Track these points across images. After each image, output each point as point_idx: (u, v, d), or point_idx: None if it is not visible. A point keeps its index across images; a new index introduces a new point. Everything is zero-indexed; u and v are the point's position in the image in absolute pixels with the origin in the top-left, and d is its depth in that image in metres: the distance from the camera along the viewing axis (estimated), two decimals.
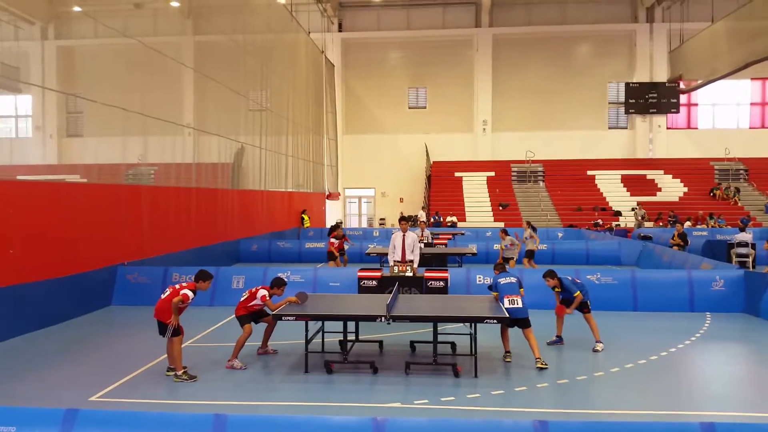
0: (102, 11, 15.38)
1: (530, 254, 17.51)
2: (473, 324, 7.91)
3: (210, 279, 7.99)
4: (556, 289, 9.22)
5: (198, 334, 10.10)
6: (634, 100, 33.37)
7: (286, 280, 8.73)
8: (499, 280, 8.68)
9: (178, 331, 7.64)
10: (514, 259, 16.67)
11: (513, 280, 8.61)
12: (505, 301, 8.32)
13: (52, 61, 28.01)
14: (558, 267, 10.08)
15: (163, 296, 7.78)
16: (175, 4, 19.39)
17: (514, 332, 8.44)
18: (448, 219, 31.26)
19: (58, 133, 30.34)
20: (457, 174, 36.40)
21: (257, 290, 8.38)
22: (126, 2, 15.55)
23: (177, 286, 7.81)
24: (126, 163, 14.69)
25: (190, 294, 7.64)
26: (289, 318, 7.86)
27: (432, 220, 30.65)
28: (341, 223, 17.65)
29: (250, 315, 8.44)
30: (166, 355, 7.94)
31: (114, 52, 15.94)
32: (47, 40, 27.89)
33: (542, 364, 7.96)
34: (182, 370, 7.63)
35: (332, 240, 17.10)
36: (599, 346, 8.97)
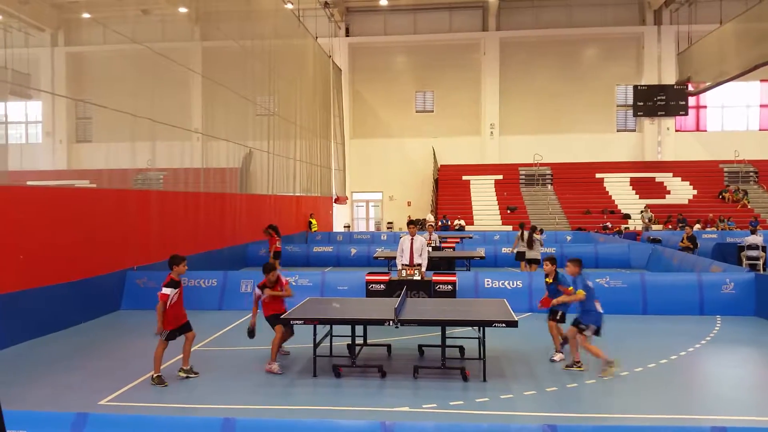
0: (111, 18, 15.53)
1: (521, 256, 17.34)
2: (482, 327, 7.89)
3: (183, 260, 7.92)
4: (547, 280, 8.85)
5: (207, 338, 10.13)
6: (642, 103, 33.20)
7: (274, 264, 8.74)
8: (588, 282, 8.15)
9: (172, 335, 7.73)
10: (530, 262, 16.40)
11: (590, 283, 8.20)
12: (597, 305, 7.99)
13: (62, 67, 28.33)
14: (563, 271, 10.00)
15: None
16: (183, 10, 19.53)
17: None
18: (456, 222, 31.24)
19: (67, 138, 30.69)
20: (464, 177, 36.38)
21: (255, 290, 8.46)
22: (134, 8, 15.65)
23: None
24: (135, 168, 14.77)
25: (166, 291, 7.61)
26: (298, 322, 7.88)
27: (440, 223, 30.64)
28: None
29: (277, 315, 8.31)
30: (175, 359, 7.99)
31: (123, 58, 16.07)
32: (57, 46, 28.18)
33: (579, 367, 7.93)
34: (158, 374, 7.64)
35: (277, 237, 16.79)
36: (557, 357, 8.59)
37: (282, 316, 8.11)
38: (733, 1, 31.82)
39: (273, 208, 22.99)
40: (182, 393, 7.37)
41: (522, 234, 16.96)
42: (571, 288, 8.32)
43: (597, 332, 7.92)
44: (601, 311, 8.01)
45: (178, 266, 7.85)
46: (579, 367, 8.05)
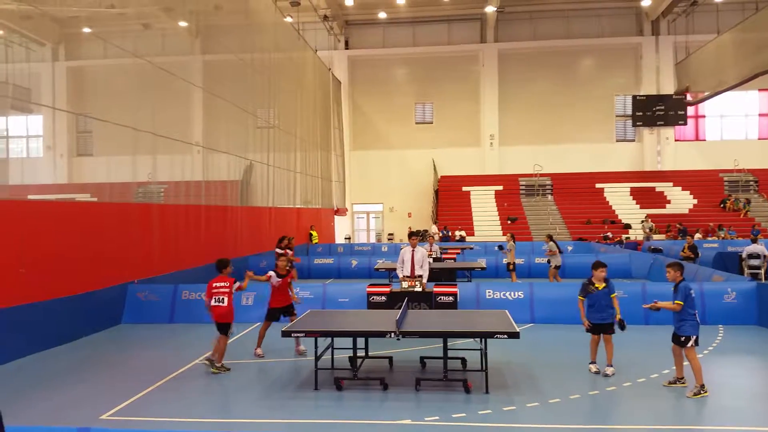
0: (111, 32, 15.58)
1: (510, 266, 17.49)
2: (484, 339, 7.88)
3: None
4: (598, 286, 8.27)
5: (208, 351, 10.08)
6: (641, 113, 33.31)
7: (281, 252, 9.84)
8: (691, 290, 7.66)
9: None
10: (557, 267, 16.53)
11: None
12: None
13: (63, 81, 28.44)
14: (567, 281, 10.00)
15: (219, 304, 8.82)
16: (183, 24, 19.64)
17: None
18: (457, 233, 31.23)
19: (68, 152, 30.77)
20: (465, 188, 36.44)
21: (269, 277, 9.73)
22: (135, 23, 15.75)
23: (221, 287, 8.88)
24: (136, 182, 14.80)
25: (238, 282, 8.95)
26: (299, 335, 7.86)
27: (440, 234, 30.64)
28: (292, 238, 17.58)
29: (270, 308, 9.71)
30: (181, 370, 7.99)
31: (123, 72, 16.11)
32: (58, 61, 28.31)
33: (683, 383, 7.77)
34: (221, 363, 8.76)
35: (277, 251, 16.98)
36: (610, 371, 8.38)
37: (283, 329, 8.13)
38: (731, 11, 32.09)
39: (274, 221, 23.01)
40: (183, 407, 7.35)
41: (513, 244, 17.47)
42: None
43: (696, 341, 7.62)
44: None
45: (227, 268, 9.14)
46: (683, 383, 7.81)
